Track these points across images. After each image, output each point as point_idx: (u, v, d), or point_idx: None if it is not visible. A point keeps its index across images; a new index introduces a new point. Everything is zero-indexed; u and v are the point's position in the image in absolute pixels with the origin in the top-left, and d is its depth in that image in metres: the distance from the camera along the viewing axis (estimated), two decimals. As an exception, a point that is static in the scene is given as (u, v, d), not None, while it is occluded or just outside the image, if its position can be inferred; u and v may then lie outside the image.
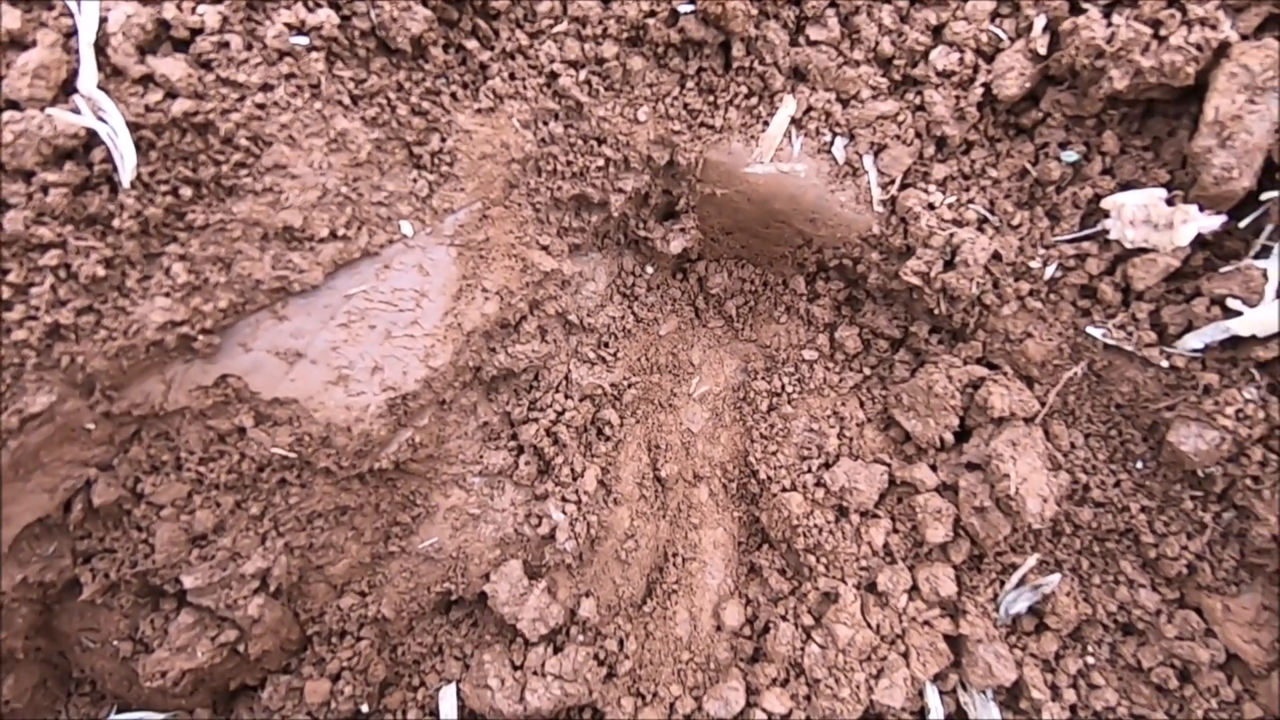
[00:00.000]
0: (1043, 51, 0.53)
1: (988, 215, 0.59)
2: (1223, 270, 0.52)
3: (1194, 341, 0.53)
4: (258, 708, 0.61)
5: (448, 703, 0.63)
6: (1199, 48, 0.48)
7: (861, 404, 0.69)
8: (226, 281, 0.49)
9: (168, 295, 0.48)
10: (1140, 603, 0.60)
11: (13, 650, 0.52)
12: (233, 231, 0.49)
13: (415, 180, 0.55)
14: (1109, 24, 0.50)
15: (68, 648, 0.56)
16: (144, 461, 0.52)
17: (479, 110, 0.56)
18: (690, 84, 0.60)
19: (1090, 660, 0.63)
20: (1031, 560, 0.62)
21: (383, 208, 0.54)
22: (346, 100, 0.51)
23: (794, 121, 0.61)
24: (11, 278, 0.43)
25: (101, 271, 0.45)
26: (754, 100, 0.61)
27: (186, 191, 0.47)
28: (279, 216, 0.50)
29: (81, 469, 0.49)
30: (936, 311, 0.63)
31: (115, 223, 0.45)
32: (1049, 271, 0.58)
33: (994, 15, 0.55)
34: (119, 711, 0.60)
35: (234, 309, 0.50)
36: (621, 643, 0.65)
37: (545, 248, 0.62)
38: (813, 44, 0.59)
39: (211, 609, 0.55)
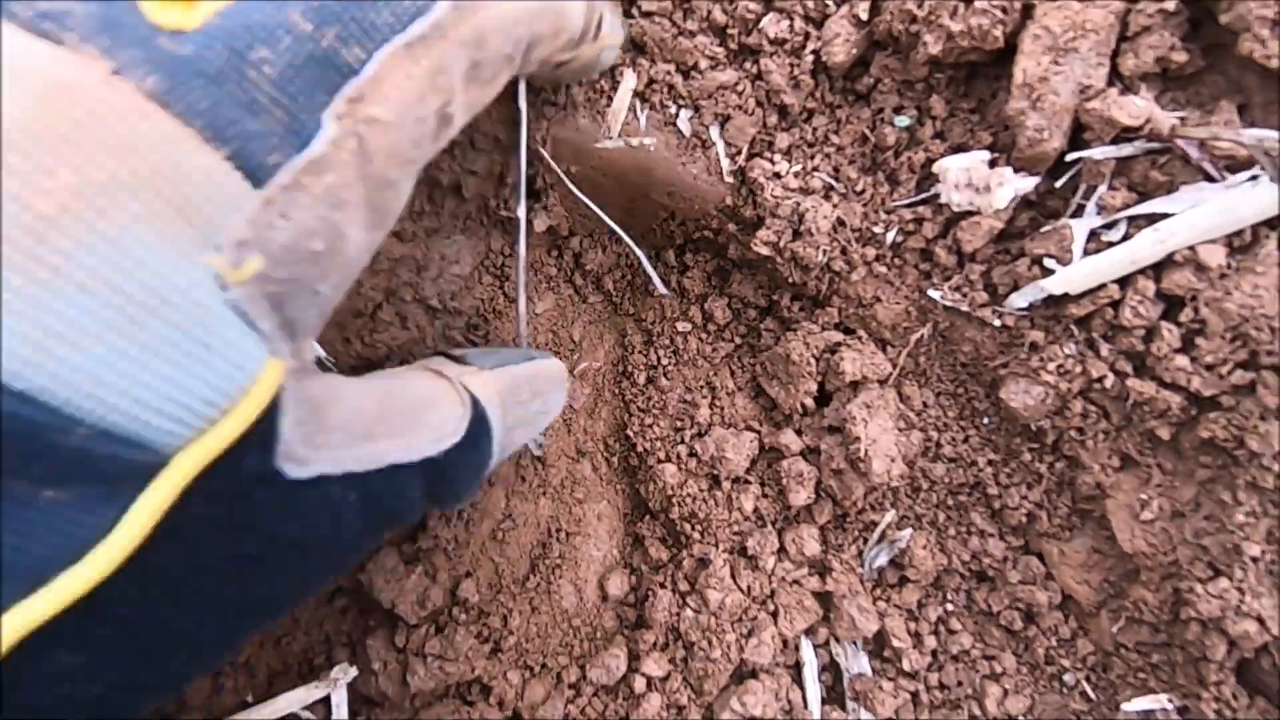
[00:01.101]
0: (865, 17, 0.54)
1: (833, 183, 0.60)
2: (1042, 230, 0.53)
3: (1019, 301, 0.55)
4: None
5: (339, 693, 0.65)
6: (1004, 10, 0.49)
7: (733, 373, 0.71)
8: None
9: None
10: (989, 551, 0.63)
11: None
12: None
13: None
14: (919, -12, 0.50)
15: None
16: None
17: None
18: (527, 61, 0.59)
19: (949, 608, 0.66)
20: (889, 516, 0.64)
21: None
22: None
23: (638, 95, 0.61)
24: None
25: None
26: (599, 81, 0.60)
27: None
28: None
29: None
30: (792, 280, 0.64)
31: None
32: (891, 236, 0.59)
33: (817, -20, 0.55)
34: None
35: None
36: (505, 619, 0.67)
37: (397, 234, 0.62)
38: (646, 15, 0.58)
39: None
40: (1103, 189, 0.51)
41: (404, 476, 0.31)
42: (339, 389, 0.29)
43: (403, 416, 0.31)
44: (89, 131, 0.19)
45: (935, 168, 0.55)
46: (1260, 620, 0.47)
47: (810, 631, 0.67)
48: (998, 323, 0.56)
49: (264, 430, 0.23)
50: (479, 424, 0.35)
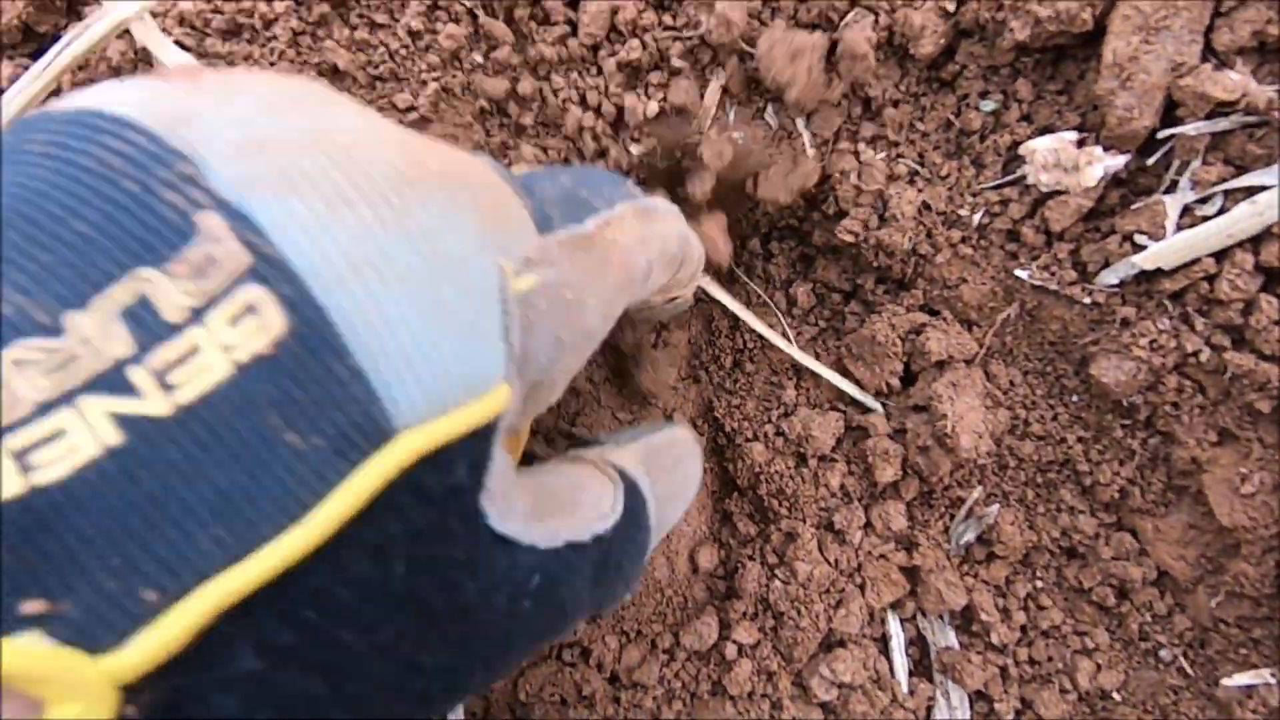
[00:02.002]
0: (951, 9, 0.56)
1: (917, 168, 0.62)
2: (1134, 207, 0.54)
3: (1109, 278, 0.55)
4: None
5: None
6: (1092, -7, 0.50)
7: (818, 355, 0.73)
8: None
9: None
10: (1080, 528, 0.63)
11: None
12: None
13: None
14: (1005, -23, 0.52)
15: None
16: None
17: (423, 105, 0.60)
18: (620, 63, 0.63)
19: (1039, 584, 0.66)
20: (976, 493, 0.66)
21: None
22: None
23: (726, 91, 0.64)
24: None
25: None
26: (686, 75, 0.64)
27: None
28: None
29: None
30: (877, 264, 0.66)
31: None
32: (977, 218, 0.61)
33: (903, -26, 0.57)
34: None
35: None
36: (603, 587, 0.72)
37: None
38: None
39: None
40: (1196, 164, 0.51)
41: (576, 560, 0.28)
42: None
43: (557, 499, 0.30)
44: (449, 150, 0.25)
45: (1022, 150, 0.57)
46: (1369, 592, 0.47)
47: (897, 605, 0.69)
48: (1087, 300, 0.57)
49: (482, 446, 0.22)
50: (633, 496, 0.34)
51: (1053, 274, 0.58)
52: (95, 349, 0.16)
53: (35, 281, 0.17)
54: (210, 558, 0.16)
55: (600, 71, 0.64)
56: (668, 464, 0.40)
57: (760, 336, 0.75)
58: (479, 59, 0.61)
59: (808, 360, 0.69)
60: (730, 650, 0.68)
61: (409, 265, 0.20)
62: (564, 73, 0.63)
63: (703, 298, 0.74)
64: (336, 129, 0.21)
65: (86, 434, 0.16)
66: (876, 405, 0.66)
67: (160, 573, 0.16)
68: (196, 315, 0.17)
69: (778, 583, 0.68)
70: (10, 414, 0.15)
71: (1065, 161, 0.54)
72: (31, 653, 0.14)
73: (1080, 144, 0.54)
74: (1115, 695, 0.62)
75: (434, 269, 0.21)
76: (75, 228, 0.17)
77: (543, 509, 0.28)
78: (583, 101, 0.64)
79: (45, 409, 0.16)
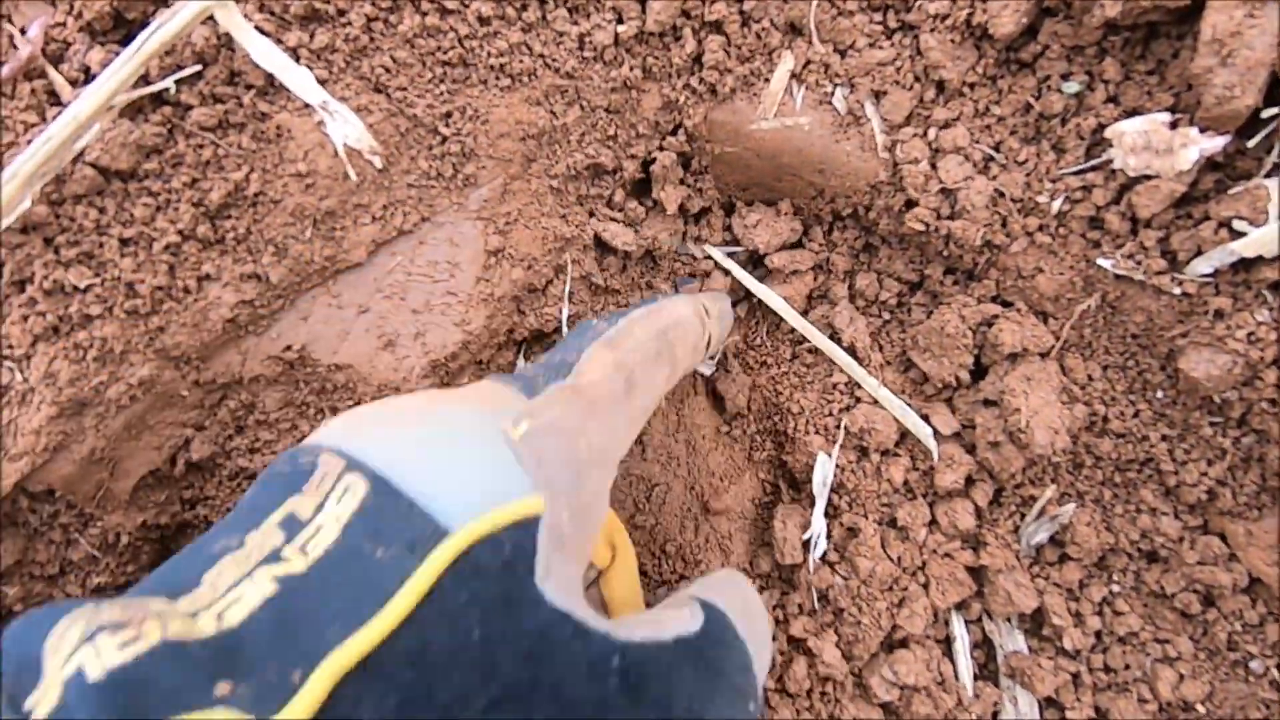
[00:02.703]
0: (1034, -16, 0.53)
1: (993, 154, 0.60)
2: (1231, 192, 0.51)
3: (1203, 266, 0.53)
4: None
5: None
6: (1192, -35, 0.48)
7: (881, 347, 0.71)
8: (282, 263, 0.56)
9: (235, 277, 0.55)
10: (1163, 530, 0.60)
11: (138, 581, 0.63)
12: (280, 218, 0.56)
13: (441, 160, 0.60)
14: (1095, -50, 0.49)
15: (184, 582, 0.67)
16: (230, 423, 0.60)
17: (495, 89, 0.61)
18: (688, 49, 0.63)
19: (1115, 588, 0.64)
20: (1049, 491, 0.63)
21: (413, 189, 0.60)
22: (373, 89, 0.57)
23: (794, 76, 0.63)
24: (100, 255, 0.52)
25: (178, 243, 0.53)
26: (754, 59, 0.63)
27: (234, 177, 0.54)
28: (321, 204, 0.56)
29: (180, 429, 0.58)
30: (946, 254, 0.64)
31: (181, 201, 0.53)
32: (1056, 205, 0.58)
33: (983, -48, 0.55)
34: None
35: (293, 288, 0.58)
36: (661, 577, 0.71)
37: (563, 216, 0.67)
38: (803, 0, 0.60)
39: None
40: (1302, 145, 0.48)
41: (661, 653, 0.31)
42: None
43: (637, 620, 0.34)
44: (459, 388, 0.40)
45: (1108, 132, 0.54)
46: None
47: (962, 606, 0.67)
48: (1177, 290, 0.55)
49: (527, 535, 0.29)
50: (710, 609, 0.37)
51: (1139, 263, 0.56)
52: (262, 546, 0.27)
53: (232, 523, 0.29)
54: (332, 643, 0.24)
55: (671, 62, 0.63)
56: (731, 589, 0.42)
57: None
58: (541, 48, 0.61)
59: (872, 383, 0.68)
60: (786, 645, 0.66)
61: (437, 439, 0.32)
62: (635, 58, 0.63)
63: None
64: (394, 399, 0.37)
65: (255, 591, 0.25)
66: (932, 444, 0.64)
67: (301, 660, 0.23)
68: (319, 508, 0.28)
69: (838, 578, 0.66)
70: (212, 594, 0.26)
71: (1156, 144, 0.51)
72: (223, 717, 0.22)
73: (1173, 125, 0.52)
74: (1199, 708, 0.58)
75: (455, 438, 0.33)
76: (257, 491, 0.31)
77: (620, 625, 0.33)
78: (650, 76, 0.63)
79: (233, 586, 0.26)
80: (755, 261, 0.74)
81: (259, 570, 0.26)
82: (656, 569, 0.71)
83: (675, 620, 0.34)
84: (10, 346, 0.50)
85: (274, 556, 0.26)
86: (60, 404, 0.51)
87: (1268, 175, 0.50)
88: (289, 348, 0.59)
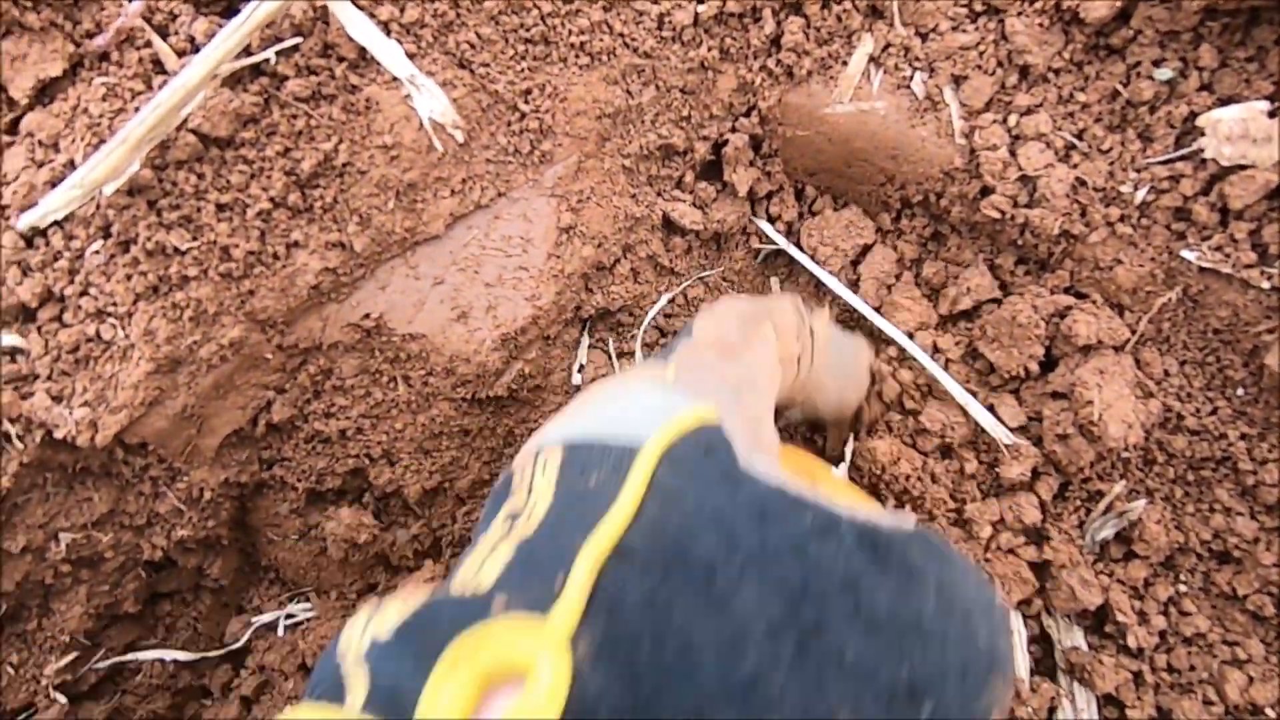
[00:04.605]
0: (1131, -33, 0.52)
1: (1075, 142, 0.59)
2: (1331, 184, 0.50)
3: (1295, 260, 0.51)
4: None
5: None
6: (1303, -52, 0.46)
7: (946, 337, 0.71)
8: (366, 233, 0.58)
9: (321, 245, 0.57)
10: (1237, 530, 0.59)
11: (220, 537, 0.65)
12: (365, 189, 0.57)
13: (518, 136, 0.61)
14: (1200, -68, 0.48)
15: (257, 540, 0.70)
16: (308, 387, 0.62)
17: (574, 67, 0.61)
18: (767, 31, 0.63)
19: (1182, 588, 0.62)
20: (1118, 487, 0.62)
21: (491, 165, 0.61)
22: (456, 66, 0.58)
23: (872, 59, 0.63)
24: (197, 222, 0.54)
25: (270, 210, 0.55)
26: (832, 42, 0.63)
27: (324, 147, 0.56)
28: (404, 176, 0.58)
29: (263, 391, 0.61)
30: (1020, 243, 0.63)
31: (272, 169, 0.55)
32: (1140, 195, 0.57)
33: (1078, -66, 0.54)
34: (293, 595, 0.73)
35: (374, 257, 0.59)
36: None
37: (634, 195, 0.68)
38: (890, -20, 0.60)
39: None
40: None
41: (904, 537, 0.30)
42: None
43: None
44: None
45: (1201, 120, 0.53)
46: None
47: (1024, 602, 0.66)
48: (1266, 285, 0.53)
49: (712, 434, 0.32)
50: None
51: (1227, 256, 0.54)
52: (493, 537, 0.29)
53: (465, 551, 0.31)
54: (581, 545, 0.26)
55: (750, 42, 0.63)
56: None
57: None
58: (621, 26, 0.61)
59: (948, 381, 0.67)
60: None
61: (607, 401, 0.37)
62: (713, 39, 0.63)
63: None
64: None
65: (498, 559, 0.27)
66: (1009, 437, 0.63)
67: (560, 566, 0.25)
68: (529, 490, 0.31)
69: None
70: (464, 578, 0.27)
71: (1255, 133, 0.50)
72: (511, 619, 0.24)
73: (1272, 115, 0.50)
74: (1269, 712, 0.57)
75: (621, 396, 0.37)
76: (480, 522, 0.34)
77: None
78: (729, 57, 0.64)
79: (479, 569, 0.27)
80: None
81: (500, 547, 0.28)
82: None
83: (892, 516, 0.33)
84: (114, 304, 0.53)
85: (506, 535, 0.29)
86: (157, 360, 0.53)
87: (1372, 167, 0.48)
88: (367, 316, 0.61)
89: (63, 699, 0.60)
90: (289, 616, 0.72)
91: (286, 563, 0.70)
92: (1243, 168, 0.52)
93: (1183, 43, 0.54)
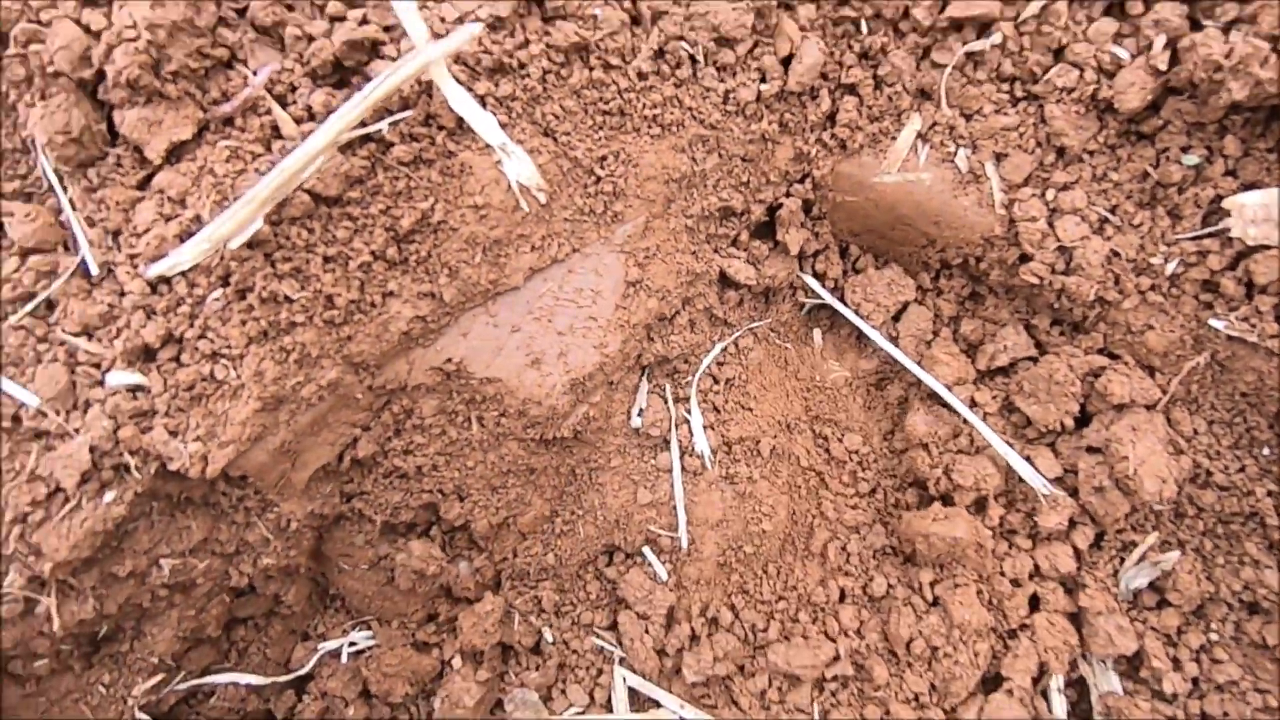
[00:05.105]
0: (1163, 67, 0.58)
1: (1108, 216, 0.64)
2: (1349, 264, 0.55)
3: (1318, 332, 0.56)
4: (459, 625, 0.75)
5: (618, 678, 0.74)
6: (1320, 57, 0.52)
7: (981, 394, 0.75)
8: (454, 284, 0.63)
9: (413, 295, 0.62)
10: (1265, 583, 0.63)
11: (297, 566, 0.69)
12: (456, 244, 0.62)
13: (593, 197, 0.67)
14: (1227, 40, 0.54)
15: (329, 569, 0.73)
16: (391, 425, 0.66)
17: (646, 137, 0.67)
18: (824, 108, 0.68)
19: (1214, 636, 0.66)
20: (1152, 538, 0.66)
21: (567, 223, 0.66)
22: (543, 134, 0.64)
23: (920, 135, 0.68)
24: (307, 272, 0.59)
25: (370, 262, 0.60)
26: (883, 119, 0.68)
27: (422, 206, 0.60)
28: (491, 233, 0.63)
29: (350, 429, 0.65)
30: (1056, 307, 0.68)
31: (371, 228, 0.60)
32: (1170, 267, 0.62)
33: (1115, 36, 0.60)
34: (356, 623, 0.76)
35: (459, 306, 0.64)
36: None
37: (694, 253, 0.73)
38: (937, 67, 0.65)
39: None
40: None
41: None
42: None
43: None
44: None
45: (1226, 203, 0.58)
46: None
47: (1061, 646, 0.69)
48: (1290, 353, 0.58)
49: None
50: None
51: (1252, 326, 0.59)
52: None
53: None
54: None
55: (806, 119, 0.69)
56: None
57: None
58: (690, 101, 0.67)
59: (993, 437, 0.71)
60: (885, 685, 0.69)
61: None
62: (774, 114, 0.69)
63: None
64: None
65: None
66: (1048, 488, 0.67)
67: None
68: None
69: (934, 619, 0.69)
70: None
71: (1276, 216, 0.55)
72: None
73: (1297, 198, 0.55)
74: (1300, 758, 0.60)
75: None
76: None
77: None
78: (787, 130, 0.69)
79: None
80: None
81: None
82: (757, 588, 0.75)
83: None
84: (229, 347, 0.57)
85: None
86: (264, 399, 0.58)
87: (1386, 251, 0.53)
88: (449, 360, 0.65)
89: (146, 719, 0.63)
90: (352, 644, 0.75)
91: (354, 591, 0.73)
92: (1266, 248, 0.57)
93: (1209, 133, 0.59)
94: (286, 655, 0.75)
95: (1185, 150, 0.60)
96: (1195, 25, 0.57)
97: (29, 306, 0.56)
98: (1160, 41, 0.57)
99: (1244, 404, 0.63)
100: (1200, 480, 0.65)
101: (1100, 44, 0.60)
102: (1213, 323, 0.61)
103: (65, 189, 0.58)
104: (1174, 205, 0.62)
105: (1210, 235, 0.60)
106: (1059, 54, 0.62)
